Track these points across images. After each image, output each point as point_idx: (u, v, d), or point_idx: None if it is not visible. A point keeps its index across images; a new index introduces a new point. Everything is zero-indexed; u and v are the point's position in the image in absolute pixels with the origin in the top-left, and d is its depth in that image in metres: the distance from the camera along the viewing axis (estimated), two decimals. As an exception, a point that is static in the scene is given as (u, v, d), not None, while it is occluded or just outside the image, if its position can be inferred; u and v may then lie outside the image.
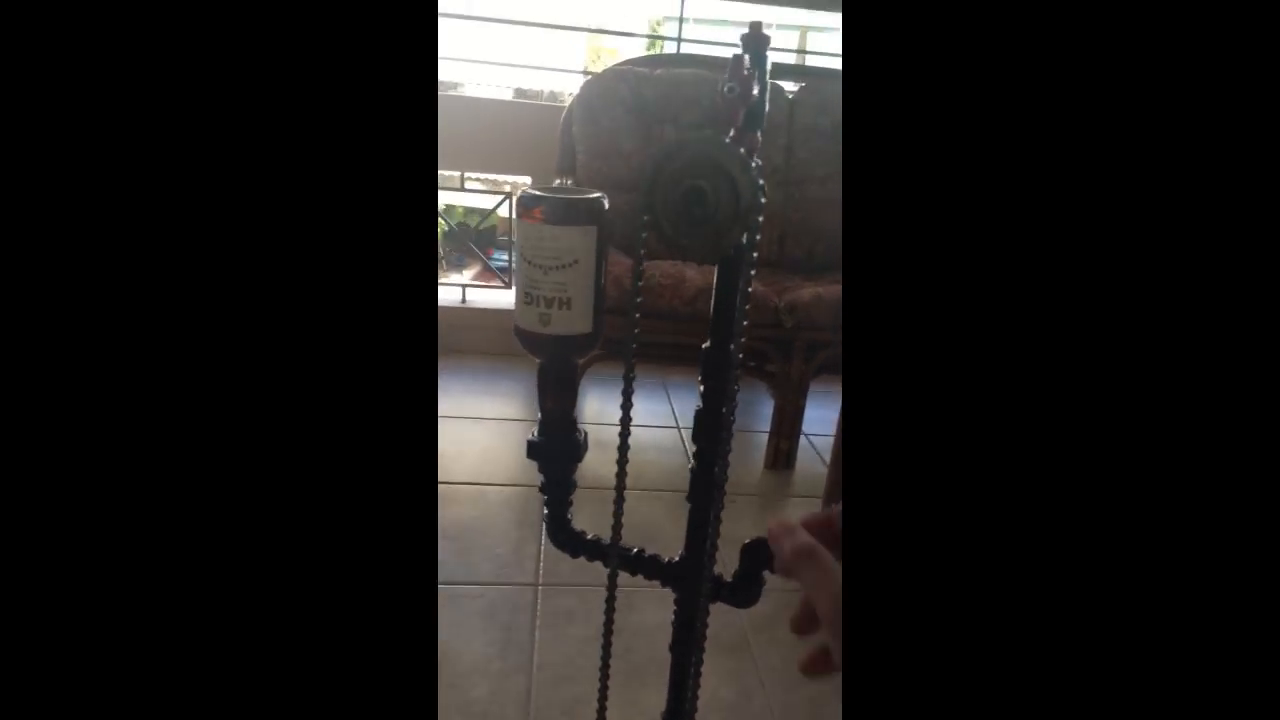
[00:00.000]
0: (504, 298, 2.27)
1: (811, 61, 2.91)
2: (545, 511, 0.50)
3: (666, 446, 1.80)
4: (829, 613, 0.28)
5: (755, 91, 0.38)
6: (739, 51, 0.39)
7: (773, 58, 0.40)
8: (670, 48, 2.28)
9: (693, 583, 0.48)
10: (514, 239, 0.43)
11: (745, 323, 0.40)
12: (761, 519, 0.38)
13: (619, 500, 0.46)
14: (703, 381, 0.45)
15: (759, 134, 0.39)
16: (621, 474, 0.45)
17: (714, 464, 0.44)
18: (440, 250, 2.37)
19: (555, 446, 0.48)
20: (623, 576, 0.49)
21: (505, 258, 2.41)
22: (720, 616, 0.47)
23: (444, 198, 2.30)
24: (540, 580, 1.26)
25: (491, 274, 2.30)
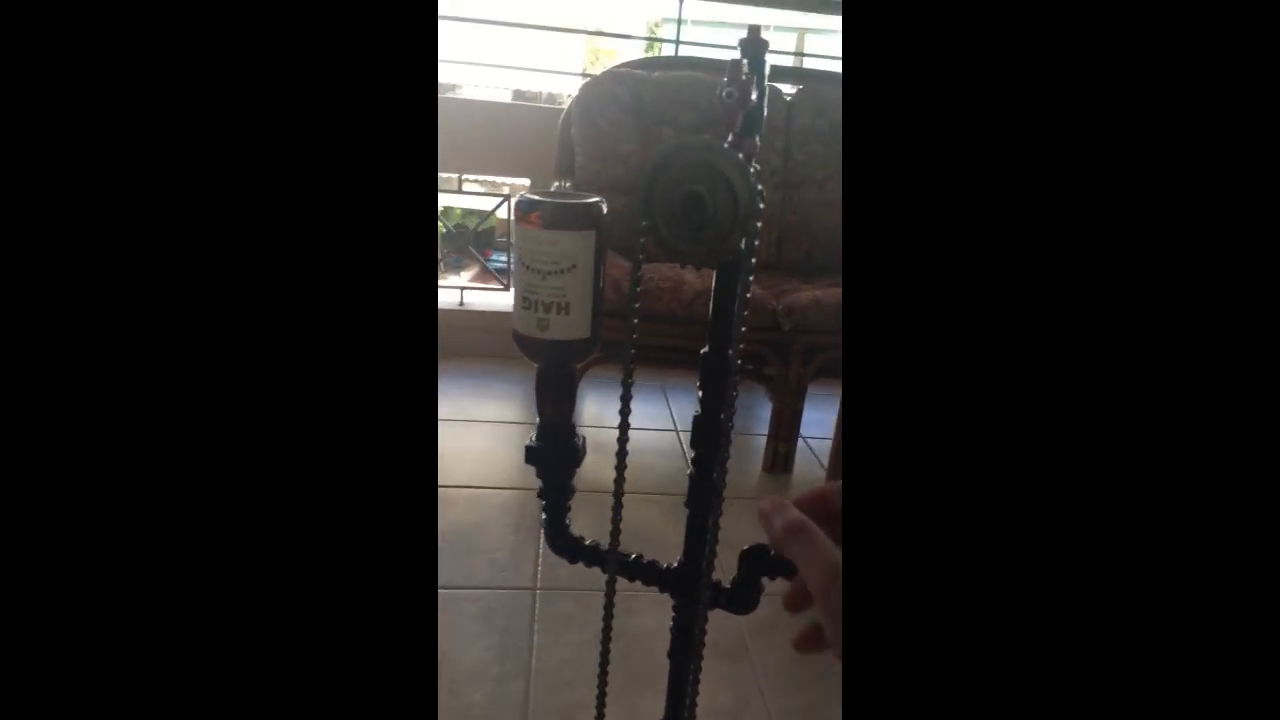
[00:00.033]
0: (502, 300, 2.26)
1: (809, 64, 2.91)
2: (543, 516, 0.50)
3: (664, 450, 1.80)
4: (819, 588, 0.28)
5: (753, 96, 0.38)
6: (737, 56, 0.38)
7: (770, 60, 0.40)
8: (668, 50, 2.28)
9: (691, 589, 0.48)
10: (512, 241, 0.43)
11: (744, 329, 0.40)
12: (756, 521, 0.38)
13: (617, 506, 0.46)
14: (701, 387, 0.44)
15: (757, 139, 0.39)
16: (620, 480, 0.45)
17: (712, 470, 0.44)
18: (438, 252, 2.36)
19: (553, 451, 0.47)
20: (621, 580, 0.49)
21: (503, 259, 2.41)
22: (718, 621, 0.47)
23: (442, 199, 2.30)
24: (538, 584, 1.26)
25: (490, 275, 2.30)
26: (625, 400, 0.43)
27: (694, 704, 0.50)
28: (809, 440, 1.84)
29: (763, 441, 1.73)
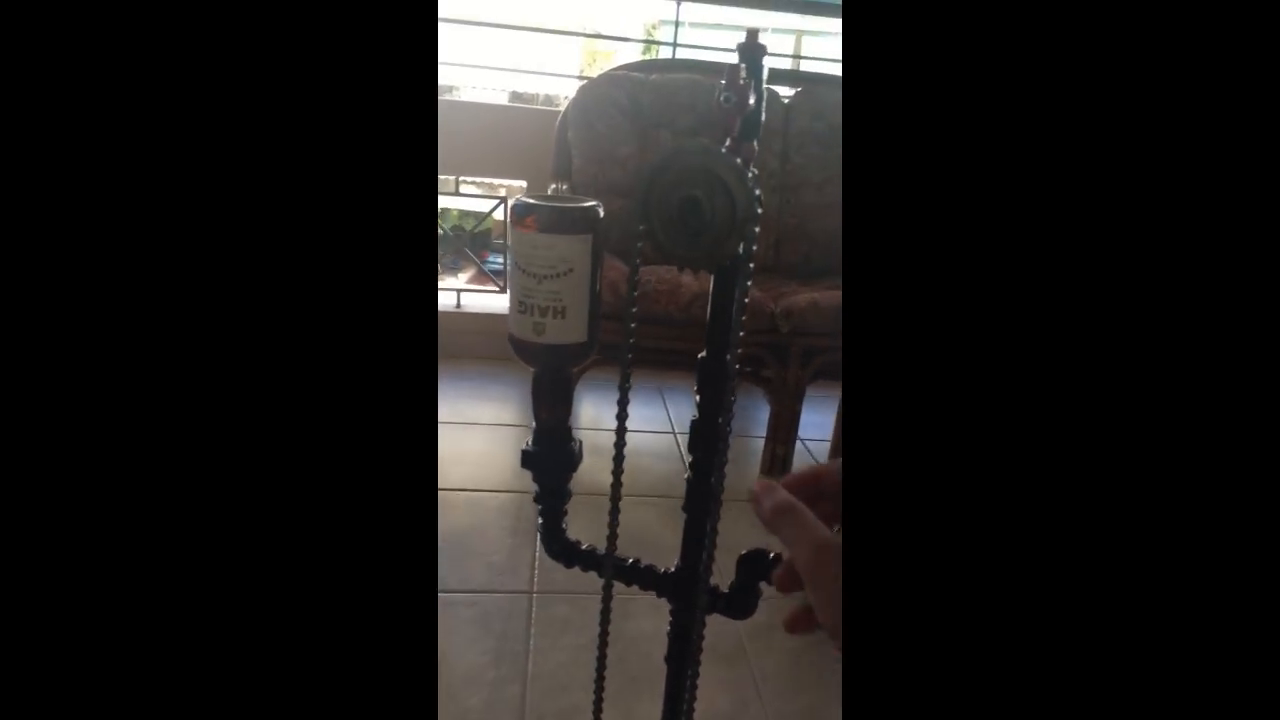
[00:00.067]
0: (499, 302, 2.26)
1: (806, 66, 2.92)
2: (540, 521, 0.49)
3: (662, 452, 1.80)
4: (807, 568, 0.28)
5: (751, 101, 0.38)
6: (735, 60, 0.38)
7: (768, 63, 0.40)
8: (665, 52, 2.28)
9: (689, 594, 0.47)
10: (509, 243, 0.43)
11: (742, 333, 0.39)
12: (757, 525, 0.38)
13: (614, 511, 0.46)
14: (699, 391, 0.44)
15: (755, 143, 0.39)
16: (617, 484, 0.45)
17: (710, 475, 0.44)
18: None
19: (550, 456, 0.47)
20: (619, 584, 0.48)
21: (500, 261, 2.40)
22: (716, 625, 0.47)
23: (439, 201, 2.30)
24: (535, 588, 1.25)
25: (487, 277, 2.30)
26: (622, 405, 0.43)
27: (691, 708, 0.50)
28: (807, 442, 1.84)
29: (761, 444, 1.73)
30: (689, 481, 0.46)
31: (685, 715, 0.50)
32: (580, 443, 0.48)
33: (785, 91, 2.00)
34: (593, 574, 0.49)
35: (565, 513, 0.49)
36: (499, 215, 2.27)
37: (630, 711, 1.00)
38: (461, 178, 2.27)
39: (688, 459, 0.46)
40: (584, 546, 0.50)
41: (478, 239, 2.31)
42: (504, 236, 2.44)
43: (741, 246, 0.36)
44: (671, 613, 0.49)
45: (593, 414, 1.93)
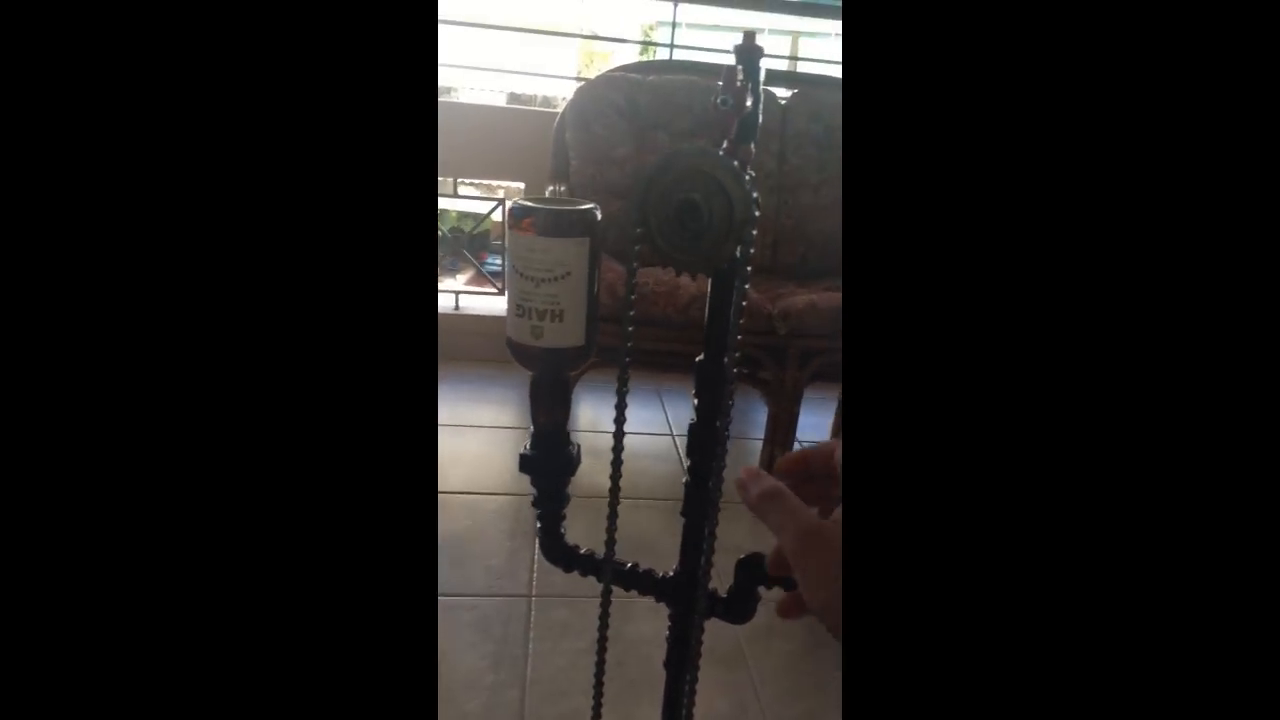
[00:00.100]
0: (498, 304, 2.26)
1: (804, 67, 2.92)
2: (538, 525, 0.49)
3: (660, 454, 1.80)
4: (795, 553, 0.29)
5: (749, 103, 0.38)
6: (732, 62, 0.38)
7: (765, 65, 0.40)
8: (663, 53, 2.28)
9: (687, 600, 0.47)
10: (506, 245, 0.43)
11: (739, 337, 0.39)
12: (756, 528, 0.38)
13: (612, 516, 0.45)
14: (697, 395, 0.44)
15: (752, 146, 0.39)
16: (615, 489, 0.45)
17: (709, 479, 0.43)
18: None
19: (548, 460, 0.47)
20: (617, 588, 0.48)
21: (499, 262, 2.40)
22: (715, 628, 0.47)
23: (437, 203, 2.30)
24: (534, 591, 1.25)
25: (485, 279, 2.30)
26: (620, 409, 0.43)
27: (691, 713, 0.49)
28: (805, 444, 1.84)
29: (759, 445, 1.73)
30: (687, 486, 0.46)
31: (684, 720, 0.50)
32: (578, 446, 0.48)
33: (782, 93, 2.00)
34: (592, 578, 0.49)
35: (564, 517, 0.49)
36: (497, 216, 2.26)
37: (630, 715, 1.00)
38: (459, 179, 2.27)
39: (686, 462, 0.46)
40: (583, 551, 0.50)
41: (476, 240, 2.31)
42: (503, 238, 2.43)
43: (739, 249, 0.36)
44: (670, 617, 0.49)
45: (591, 416, 1.93)
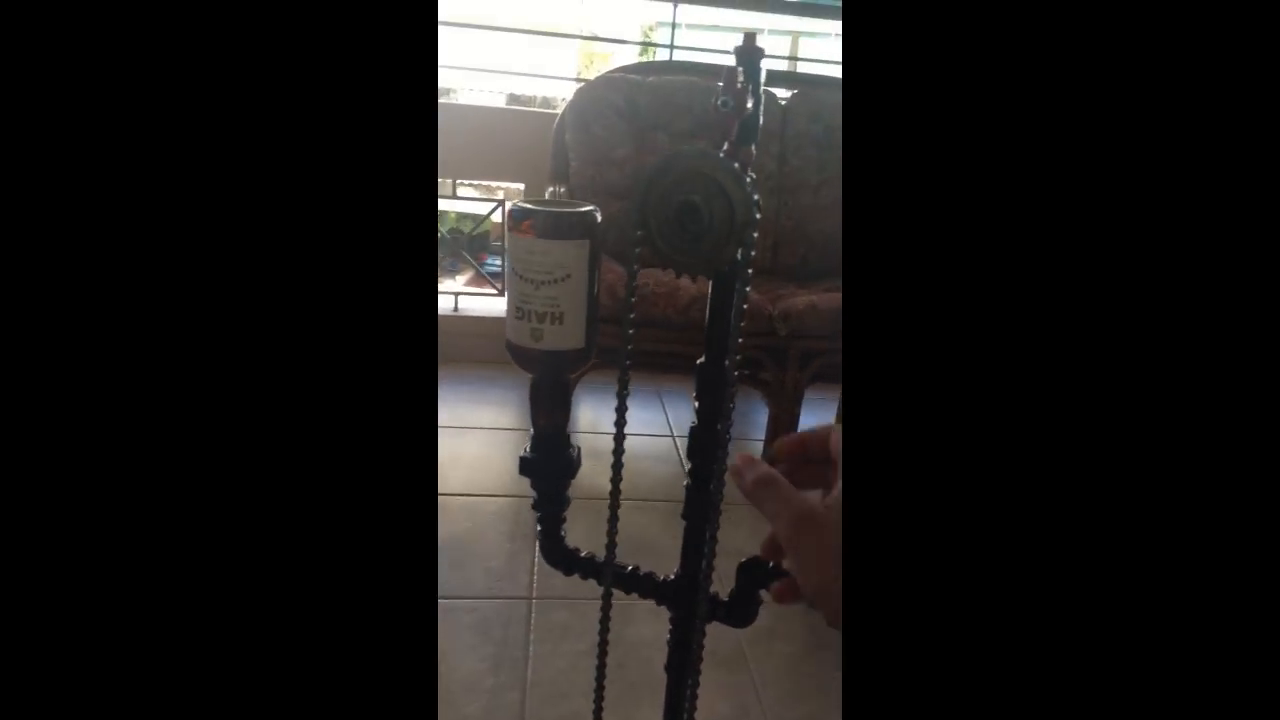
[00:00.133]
0: (497, 305, 2.26)
1: (803, 68, 2.92)
2: (538, 528, 0.49)
3: (661, 455, 1.80)
4: (788, 539, 0.29)
5: (749, 104, 0.37)
6: (732, 63, 0.38)
7: (765, 65, 0.39)
8: (663, 54, 2.28)
9: (688, 603, 0.47)
10: (506, 246, 0.43)
11: (740, 340, 0.39)
12: (757, 530, 0.38)
13: (613, 519, 0.45)
14: (698, 398, 0.44)
15: (753, 147, 0.39)
16: (615, 492, 0.44)
17: (710, 482, 0.43)
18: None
19: (548, 463, 0.47)
20: (618, 590, 0.48)
21: (498, 263, 2.40)
22: (717, 629, 0.47)
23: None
24: (534, 594, 1.25)
25: (484, 280, 2.29)
26: (620, 411, 0.42)
27: (692, 717, 0.49)
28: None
29: (759, 447, 1.73)
30: (688, 489, 0.46)
31: (686, 724, 0.49)
32: (579, 449, 0.48)
33: (782, 93, 2.00)
34: (592, 580, 0.49)
35: (564, 519, 0.49)
36: (497, 217, 2.26)
37: (631, 718, 1.00)
38: (459, 180, 2.27)
39: (687, 464, 0.46)
40: (583, 554, 0.49)
41: (475, 241, 2.30)
42: (502, 239, 2.43)
43: (740, 252, 0.35)
44: (671, 621, 0.49)
45: (591, 417, 1.93)
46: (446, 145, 2.00)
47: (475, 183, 2.49)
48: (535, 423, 0.46)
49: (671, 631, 0.49)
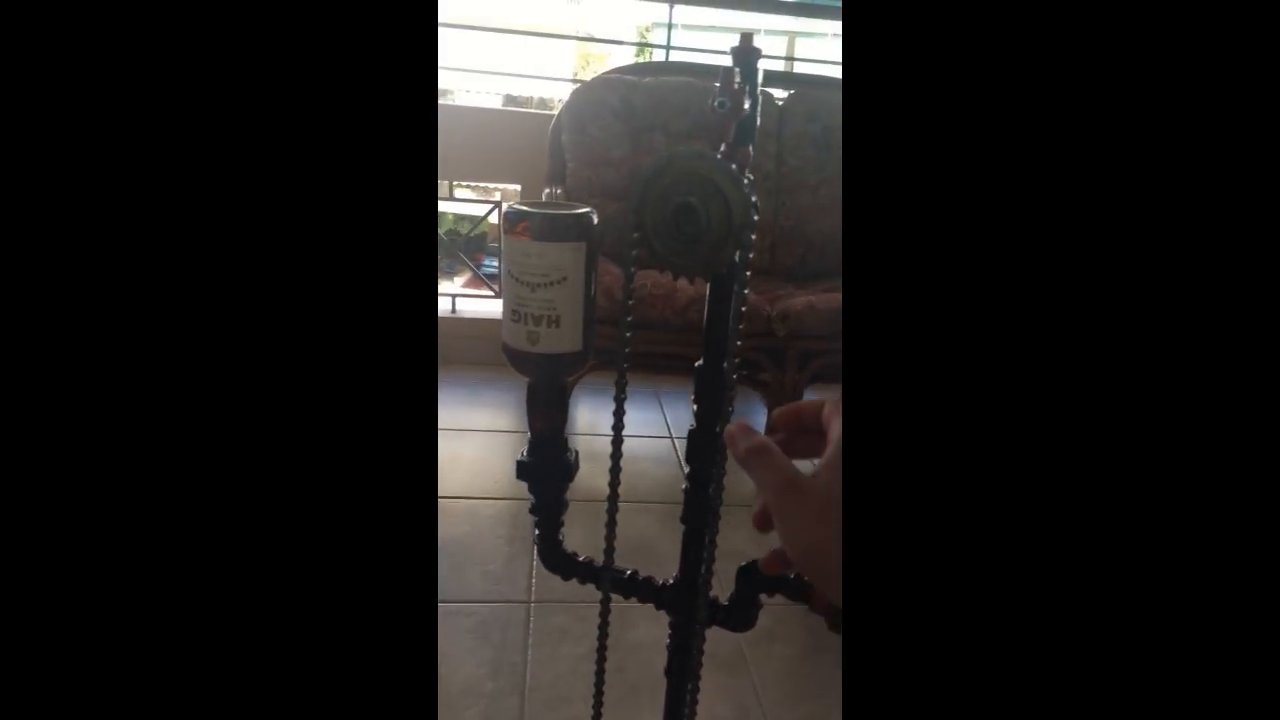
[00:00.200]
0: (495, 306, 2.25)
1: (800, 68, 2.92)
2: (536, 532, 0.48)
3: (660, 457, 1.79)
4: (776, 506, 0.30)
5: (746, 105, 0.37)
6: (729, 64, 0.37)
7: (762, 66, 0.39)
8: (659, 55, 2.28)
9: (688, 608, 0.46)
10: (502, 249, 0.43)
11: (739, 343, 0.39)
12: (756, 533, 0.38)
13: (611, 524, 0.45)
14: (696, 400, 0.43)
15: (750, 148, 0.38)
16: (614, 496, 0.44)
17: (709, 485, 0.43)
18: (430, 260, 2.34)
19: (545, 467, 0.46)
20: (617, 594, 0.47)
21: (495, 265, 2.39)
22: (716, 632, 0.46)
23: (433, 206, 2.28)
24: (532, 597, 1.24)
25: (481, 281, 2.29)
26: (618, 415, 0.42)
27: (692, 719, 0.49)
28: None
29: (758, 447, 1.72)
30: (687, 493, 0.45)
31: (686, 728, 0.49)
32: (576, 453, 0.47)
33: (779, 94, 2.00)
34: (591, 584, 0.48)
35: (562, 524, 0.49)
36: (494, 219, 2.26)
37: (630, 721, 0.99)
38: (456, 181, 2.26)
39: (685, 467, 0.45)
40: (581, 558, 0.49)
41: (473, 243, 2.30)
42: (499, 240, 2.43)
43: (738, 254, 0.35)
44: (671, 626, 0.49)
45: (589, 419, 1.92)
46: (443, 146, 2.00)
47: (472, 184, 2.48)
48: (532, 427, 0.45)
49: (671, 636, 0.49)
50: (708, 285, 0.42)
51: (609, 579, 0.47)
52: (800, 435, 0.33)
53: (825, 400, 0.32)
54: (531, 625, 1.18)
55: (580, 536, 0.49)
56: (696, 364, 0.43)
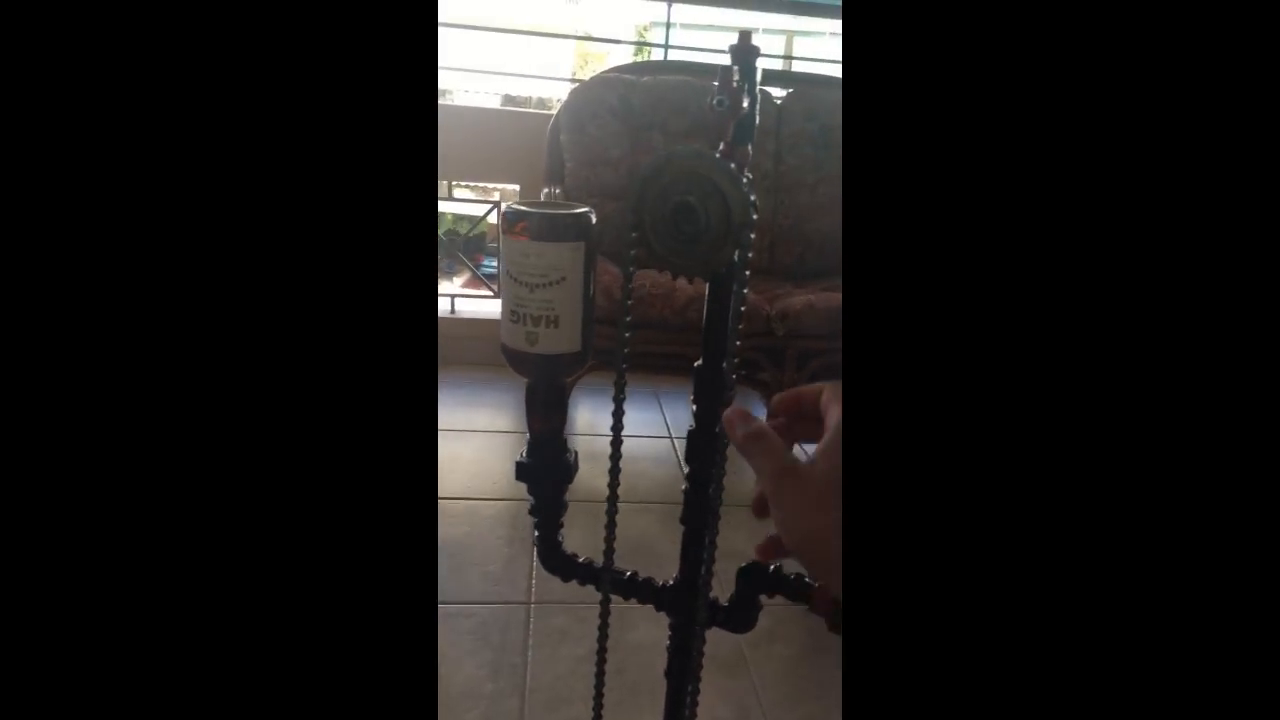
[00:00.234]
0: (494, 307, 2.25)
1: (799, 66, 2.92)
2: (536, 534, 0.48)
3: (660, 457, 1.79)
4: (771, 491, 0.30)
5: (745, 104, 0.37)
6: (728, 63, 0.37)
7: (760, 64, 0.39)
8: (657, 54, 2.28)
9: (688, 609, 0.46)
10: (501, 250, 0.43)
11: (738, 343, 0.38)
12: (755, 531, 0.38)
13: (610, 525, 0.44)
14: (695, 401, 0.43)
15: (749, 147, 0.38)
16: (613, 497, 0.44)
17: (708, 486, 0.43)
18: (428, 260, 2.33)
19: (545, 468, 0.46)
20: (617, 595, 0.47)
21: (494, 264, 2.39)
22: (717, 633, 0.46)
23: (431, 207, 2.28)
24: (532, 599, 1.24)
25: (480, 282, 2.29)
26: (618, 416, 0.42)
27: (692, 723, 0.49)
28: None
29: (758, 447, 1.72)
30: (686, 493, 0.45)
31: (686, 730, 0.49)
32: (575, 454, 0.47)
33: (777, 92, 2.00)
34: (591, 585, 0.48)
35: (562, 525, 0.48)
36: (493, 219, 2.26)
37: (630, 722, 0.99)
38: (454, 181, 2.26)
39: (685, 467, 0.45)
40: (581, 559, 0.49)
41: (472, 243, 2.30)
42: (498, 240, 2.42)
43: (737, 253, 0.35)
44: (671, 627, 0.48)
45: (588, 419, 1.92)
46: (442, 146, 1.99)
47: (471, 184, 2.48)
48: (531, 428, 0.45)
49: (671, 637, 0.49)
50: (707, 285, 0.41)
51: (609, 580, 0.46)
52: (800, 420, 0.34)
53: (824, 385, 0.32)
54: (531, 626, 1.18)
55: (580, 537, 0.49)
56: (696, 364, 0.43)
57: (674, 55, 2.28)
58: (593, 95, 1.91)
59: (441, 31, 2.12)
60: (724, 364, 0.40)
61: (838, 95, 1.92)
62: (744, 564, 0.44)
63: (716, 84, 0.36)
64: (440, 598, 1.22)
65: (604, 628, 0.48)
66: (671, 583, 0.47)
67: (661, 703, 0.50)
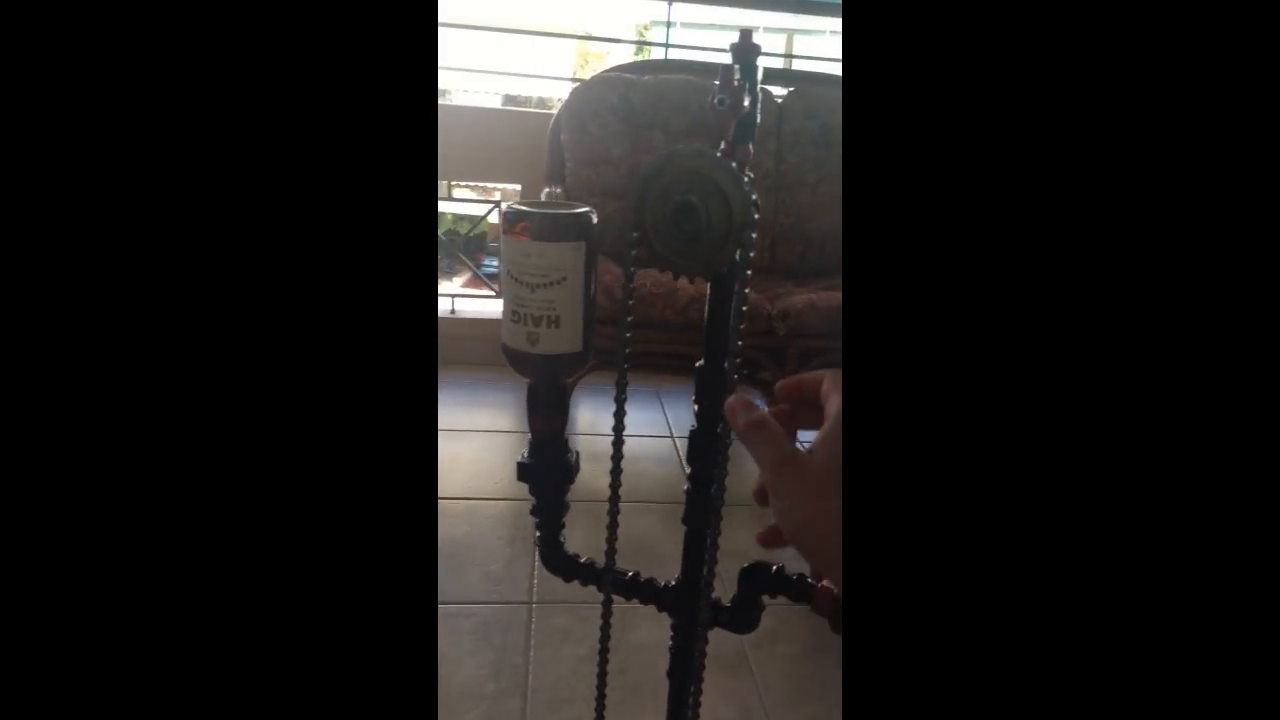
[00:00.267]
0: (494, 307, 2.25)
1: (799, 65, 2.91)
2: (537, 534, 0.48)
3: (661, 456, 1.79)
4: (771, 480, 0.30)
5: (746, 103, 0.37)
6: (729, 61, 0.37)
7: (761, 63, 0.39)
8: (658, 53, 2.28)
9: (690, 610, 0.46)
10: (502, 250, 0.43)
11: (740, 343, 0.38)
12: (757, 530, 0.38)
13: (612, 525, 0.44)
14: (697, 401, 0.43)
15: (750, 146, 0.38)
16: (615, 498, 0.44)
17: (710, 486, 0.42)
18: (429, 260, 2.33)
19: (546, 468, 0.46)
20: (618, 595, 0.47)
21: (495, 264, 2.39)
22: (718, 633, 0.46)
23: (432, 207, 2.28)
24: (534, 599, 1.24)
25: (481, 281, 2.28)
26: (619, 416, 0.42)
27: (695, 724, 0.48)
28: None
29: (759, 446, 1.72)
30: (688, 494, 0.45)
31: (688, 730, 0.49)
32: (577, 454, 0.47)
33: (778, 91, 2.00)
34: (593, 586, 0.48)
35: (563, 525, 0.48)
36: (493, 219, 2.26)
37: (632, 722, 0.99)
38: (455, 181, 2.26)
39: (687, 467, 0.45)
40: (583, 559, 0.49)
41: (472, 242, 2.30)
42: (498, 240, 2.42)
43: (738, 253, 0.35)
44: (673, 627, 0.48)
45: (589, 419, 1.92)
46: (442, 146, 1.99)
47: (471, 184, 2.48)
48: (532, 428, 0.45)
49: (673, 638, 0.49)
50: (708, 284, 0.41)
51: (610, 580, 0.46)
52: (802, 407, 0.34)
53: (825, 372, 0.32)
54: (533, 627, 1.18)
55: (581, 537, 0.49)
56: (697, 364, 0.43)
57: (675, 54, 2.28)
58: (593, 95, 1.90)
59: (441, 31, 2.12)
60: (726, 363, 0.40)
61: (838, 93, 1.91)
62: (746, 564, 0.44)
63: (717, 83, 0.36)
64: (441, 598, 1.22)
65: (606, 628, 0.48)
66: (673, 583, 0.47)
67: (664, 703, 0.50)
